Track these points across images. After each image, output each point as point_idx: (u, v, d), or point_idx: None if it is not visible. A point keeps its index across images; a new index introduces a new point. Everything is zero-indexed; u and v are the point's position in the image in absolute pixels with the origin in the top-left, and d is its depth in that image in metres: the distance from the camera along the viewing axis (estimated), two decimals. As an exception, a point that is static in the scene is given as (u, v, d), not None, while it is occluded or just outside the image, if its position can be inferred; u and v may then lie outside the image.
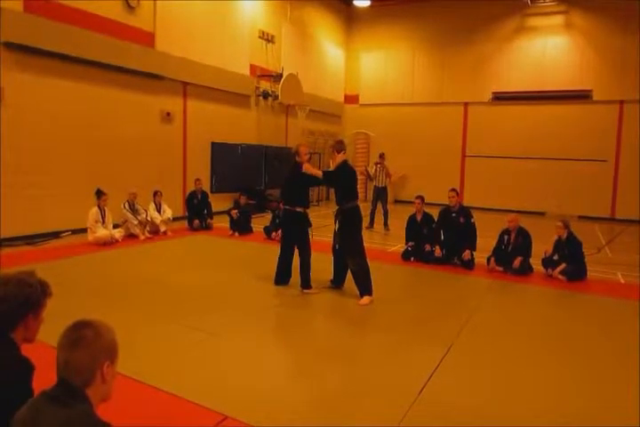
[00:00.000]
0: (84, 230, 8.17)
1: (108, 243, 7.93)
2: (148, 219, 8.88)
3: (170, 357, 3.76)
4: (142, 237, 8.58)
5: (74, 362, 1.41)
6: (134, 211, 8.67)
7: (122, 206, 8.61)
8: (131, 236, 8.58)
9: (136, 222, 8.62)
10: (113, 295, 5.29)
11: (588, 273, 6.91)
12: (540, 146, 15.55)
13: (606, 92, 14.69)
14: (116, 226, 8.45)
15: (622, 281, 7.04)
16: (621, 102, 14.65)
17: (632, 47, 14.23)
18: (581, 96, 14.96)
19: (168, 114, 10.64)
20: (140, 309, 4.87)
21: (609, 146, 14.84)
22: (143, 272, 6.38)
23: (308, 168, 5.63)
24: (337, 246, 5.65)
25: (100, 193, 8.05)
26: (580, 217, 14.31)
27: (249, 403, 3.08)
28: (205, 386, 3.29)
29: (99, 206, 8.05)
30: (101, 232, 7.96)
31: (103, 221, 8.07)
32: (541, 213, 14.82)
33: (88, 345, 1.43)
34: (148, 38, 9.94)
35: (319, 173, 5.65)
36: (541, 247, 7.18)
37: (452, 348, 4.11)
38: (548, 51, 15.41)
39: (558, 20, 15.34)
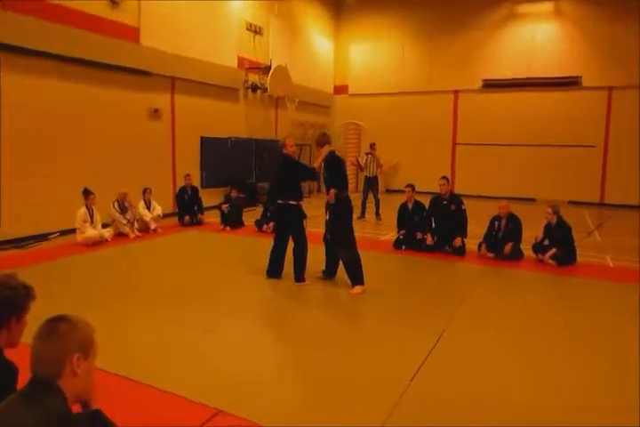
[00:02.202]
0: (72, 231, 8.08)
1: (97, 243, 7.87)
2: (136, 218, 8.80)
3: (163, 355, 3.76)
4: (132, 236, 8.53)
5: (44, 353, 1.42)
6: (124, 210, 8.62)
7: (111, 205, 8.56)
8: (120, 235, 8.51)
9: (125, 222, 8.57)
10: (104, 295, 5.26)
11: (578, 257, 6.98)
12: (529, 132, 15.60)
13: (595, 79, 14.72)
14: (105, 225, 8.39)
15: (611, 265, 7.12)
16: (610, 88, 14.70)
17: (620, 34, 14.24)
18: (570, 83, 15.00)
19: (156, 110, 10.55)
20: (131, 307, 4.86)
21: (597, 132, 14.91)
22: (134, 271, 6.37)
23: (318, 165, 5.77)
24: (328, 237, 5.67)
25: (87, 192, 7.96)
26: (570, 202, 14.40)
27: (243, 397, 3.09)
28: (199, 382, 3.29)
29: (87, 206, 7.97)
30: (90, 232, 7.88)
31: (92, 221, 7.99)
32: (532, 200, 14.89)
33: (59, 337, 1.44)
34: (132, 33, 9.83)
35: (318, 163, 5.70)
36: (532, 233, 7.24)
37: (443, 335, 4.15)
38: (537, 38, 15.39)
39: (547, 7, 15.31)
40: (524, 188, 15.40)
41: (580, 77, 14.89)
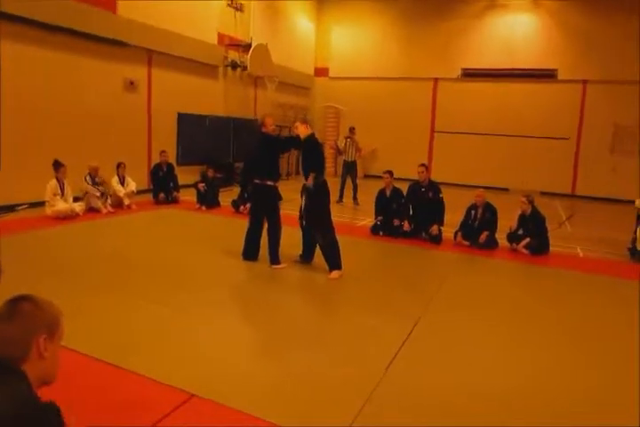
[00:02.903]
0: (42, 204, 7.83)
1: (68, 217, 7.63)
2: (109, 193, 8.57)
3: (133, 334, 3.68)
4: (104, 211, 8.30)
5: (8, 335, 1.32)
6: (96, 184, 8.37)
7: (83, 179, 8.30)
8: (92, 210, 8.28)
9: (98, 194, 8.33)
10: (73, 272, 5.12)
11: (550, 247, 7.13)
12: (505, 123, 15.78)
13: (570, 72, 14.94)
14: (76, 199, 8.14)
15: (581, 255, 7.30)
16: (584, 82, 14.94)
17: (596, 28, 14.44)
18: (547, 75, 15.18)
19: (132, 82, 10.22)
20: (101, 286, 4.73)
21: (571, 124, 15.20)
22: (105, 247, 6.20)
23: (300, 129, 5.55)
24: (304, 223, 5.61)
25: (58, 164, 7.69)
26: (542, 193, 14.67)
27: (216, 381, 3.02)
28: (170, 364, 3.22)
29: (57, 179, 7.72)
30: (61, 205, 7.64)
31: (62, 194, 7.76)
32: (505, 189, 15.12)
33: (23, 317, 1.34)
34: (109, 2, 9.42)
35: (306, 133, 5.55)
36: (506, 223, 7.34)
37: (419, 322, 4.16)
38: (516, 29, 15.49)
39: (526, -2, 15.36)
40: (498, 177, 15.60)
41: (557, 70, 15.09)
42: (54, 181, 7.70)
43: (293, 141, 5.86)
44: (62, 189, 7.77)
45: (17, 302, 1.37)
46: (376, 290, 5.08)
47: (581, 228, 9.66)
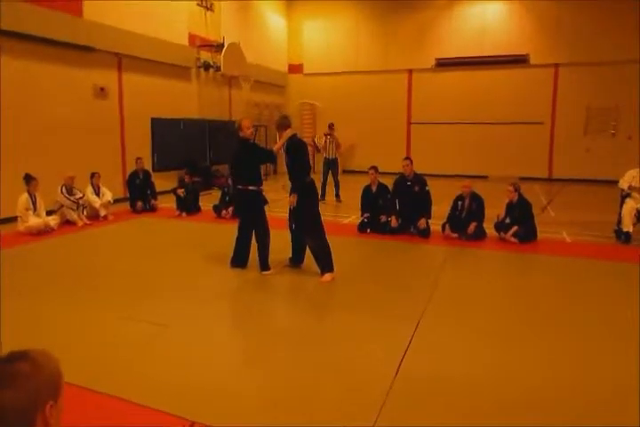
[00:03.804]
0: (14, 219, 7.51)
1: (42, 232, 7.34)
2: (84, 204, 8.28)
3: (117, 354, 3.47)
4: (80, 224, 8.01)
5: (7, 405, 1.07)
6: (72, 196, 8.09)
7: (58, 191, 8.01)
8: (67, 223, 7.99)
9: (75, 207, 8.05)
10: (50, 289, 4.89)
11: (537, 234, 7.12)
12: (481, 111, 15.84)
13: (542, 56, 15.05)
14: (50, 212, 7.84)
15: (568, 240, 7.31)
16: (556, 66, 15.07)
17: (565, 12, 14.56)
18: (519, 60, 15.26)
19: (102, 89, 9.90)
20: (81, 302, 4.52)
21: (545, 109, 15.34)
22: (83, 261, 5.96)
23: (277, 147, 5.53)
24: (293, 226, 5.47)
25: (29, 178, 7.39)
26: (521, 179, 14.74)
27: (207, 403, 2.83)
28: (157, 385, 3.03)
29: (29, 193, 7.41)
30: (34, 220, 7.33)
31: (35, 209, 7.45)
32: (484, 177, 15.17)
33: (24, 383, 1.09)
34: (74, 6, 9.08)
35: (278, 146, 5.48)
36: (491, 211, 7.29)
37: (420, 323, 4.03)
38: (487, 16, 15.53)
39: (496, -16, 15.38)
40: (476, 165, 15.65)
41: (528, 55, 15.17)
42: (25, 196, 7.40)
43: (267, 157, 5.70)
44: (34, 204, 7.46)
45: (12, 362, 1.13)
46: (371, 291, 4.96)
47: (563, 212, 9.70)
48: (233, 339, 4.01)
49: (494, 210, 7.34)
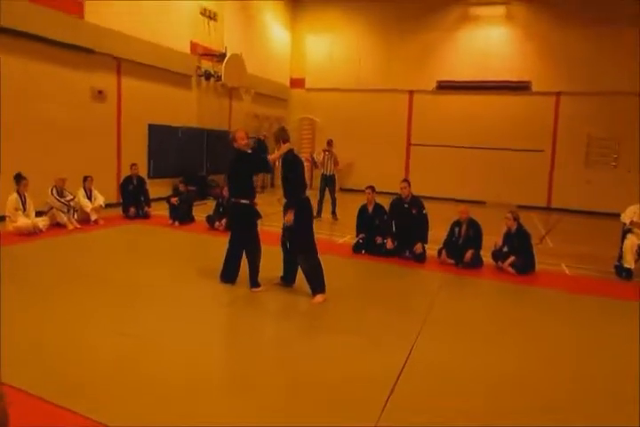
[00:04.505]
0: (2, 219, 7.34)
1: (30, 233, 7.16)
2: (75, 208, 8.07)
3: (92, 369, 3.28)
4: (71, 227, 7.81)
5: None
6: (63, 198, 7.89)
7: (49, 193, 7.80)
8: (57, 225, 7.79)
9: (65, 210, 7.84)
10: (32, 293, 4.71)
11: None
12: (481, 135, 15.82)
13: (544, 84, 15.10)
14: (39, 213, 7.63)
15: (567, 273, 7.15)
16: (558, 94, 15.12)
17: (569, 40, 14.66)
18: (521, 87, 15.31)
19: (100, 92, 9.76)
20: (61, 310, 4.32)
21: (546, 136, 15.34)
22: (69, 267, 5.76)
23: (273, 158, 5.30)
24: (287, 244, 5.28)
25: (19, 178, 7.26)
26: (519, 206, 14.67)
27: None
28: (132, 406, 2.84)
29: (18, 192, 7.25)
30: (22, 221, 7.17)
31: (24, 209, 7.28)
32: (482, 203, 15.09)
33: None
34: (76, 7, 8.98)
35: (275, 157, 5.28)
36: (486, 238, 7.13)
37: (413, 350, 3.88)
38: (490, 41, 15.62)
39: (500, 10, 15.54)
40: (474, 190, 15.58)
41: (530, 82, 15.23)
42: (15, 195, 7.26)
43: (262, 166, 5.46)
44: (24, 204, 7.29)
45: None
46: (364, 315, 4.77)
47: (562, 243, 9.57)
48: (219, 358, 3.80)
49: (491, 237, 7.19)
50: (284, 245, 5.36)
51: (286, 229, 5.22)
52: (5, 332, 3.75)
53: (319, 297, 5.03)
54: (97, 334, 3.85)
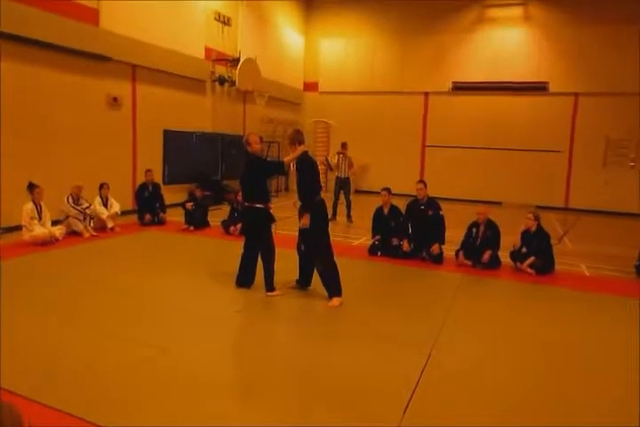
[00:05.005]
0: (18, 228, 7.36)
1: (47, 242, 7.16)
2: (92, 215, 8.11)
3: (109, 379, 3.25)
4: (87, 235, 7.84)
5: None
6: (79, 206, 7.94)
7: (65, 201, 7.87)
8: (73, 233, 7.82)
9: (82, 218, 7.89)
10: (50, 303, 4.71)
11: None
12: (497, 136, 15.66)
13: (562, 85, 14.89)
14: (56, 222, 7.67)
15: (587, 273, 7.01)
16: (576, 95, 14.90)
17: (587, 41, 14.46)
18: (538, 88, 15.11)
19: (115, 99, 9.85)
20: (80, 319, 4.32)
21: (564, 137, 15.11)
22: (87, 275, 5.76)
23: (288, 160, 5.25)
24: (302, 247, 5.25)
25: (32, 186, 7.23)
26: (536, 206, 14.47)
27: None
28: (150, 416, 2.81)
29: (33, 201, 7.26)
30: (39, 230, 7.16)
31: (40, 218, 7.28)
32: (498, 203, 14.91)
33: None
34: (91, 15, 9.09)
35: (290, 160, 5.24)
36: (504, 238, 7.01)
37: (431, 355, 3.81)
38: (506, 42, 15.45)
39: (517, 11, 15.38)
40: (490, 191, 15.43)
41: (548, 83, 15.03)
42: (30, 204, 7.23)
43: (277, 168, 5.49)
44: (39, 213, 7.29)
45: None
46: (381, 318, 4.71)
47: (581, 243, 9.39)
48: (235, 363, 3.77)
49: (509, 237, 7.08)
50: (299, 247, 5.32)
51: (302, 232, 5.18)
52: (22, 342, 3.78)
53: (335, 300, 4.98)
54: (114, 343, 3.85)
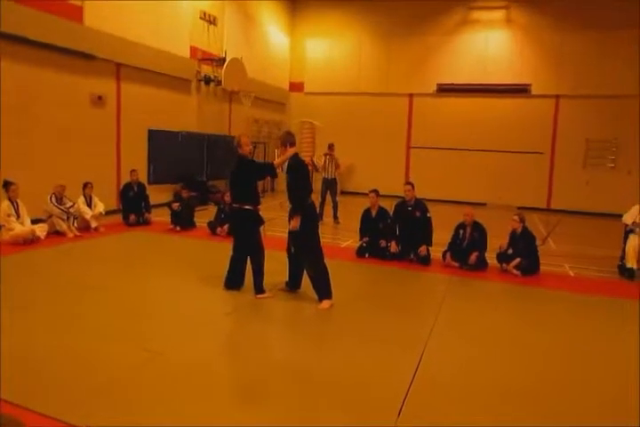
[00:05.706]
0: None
1: (28, 241, 7.02)
2: (73, 212, 7.97)
3: (96, 383, 3.19)
4: (70, 235, 7.71)
5: None
6: (62, 205, 7.81)
7: (48, 200, 7.73)
8: (56, 233, 7.68)
9: (65, 217, 7.76)
10: (32, 305, 4.60)
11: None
12: (481, 138, 15.85)
13: (544, 87, 15.15)
14: (38, 222, 7.53)
15: (571, 274, 7.13)
16: (557, 97, 15.18)
17: (568, 44, 14.74)
18: (521, 90, 15.34)
19: (99, 97, 9.71)
20: (64, 322, 4.23)
21: (545, 139, 15.38)
22: (70, 276, 5.67)
23: (279, 162, 5.24)
24: (292, 250, 5.23)
25: (7, 184, 7.10)
26: (519, 208, 14.66)
27: None
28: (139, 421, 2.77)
29: (9, 199, 7.13)
30: (19, 228, 7.03)
31: (18, 216, 7.14)
32: (482, 204, 15.08)
33: None
34: (75, 12, 8.95)
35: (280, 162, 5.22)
36: (489, 240, 7.09)
37: (423, 355, 3.83)
38: (490, 44, 15.67)
39: (499, 14, 15.59)
40: (474, 192, 15.61)
41: (530, 85, 15.26)
42: (7, 202, 7.11)
43: (269, 170, 5.45)
44: (17, 210, 7.16)
45: None
46: (371, 319, 4.72)
47: (564, 244, 9.54)
48: (227, 366, 3.74)
49: (494, 239, 7.15)
50: (289, 250, 5.30)
51: (291, 235, 5.17)
52: (5, 346, 3.69)
53: (326, 303, 4.97)
54: (98, 346, 3.78)
